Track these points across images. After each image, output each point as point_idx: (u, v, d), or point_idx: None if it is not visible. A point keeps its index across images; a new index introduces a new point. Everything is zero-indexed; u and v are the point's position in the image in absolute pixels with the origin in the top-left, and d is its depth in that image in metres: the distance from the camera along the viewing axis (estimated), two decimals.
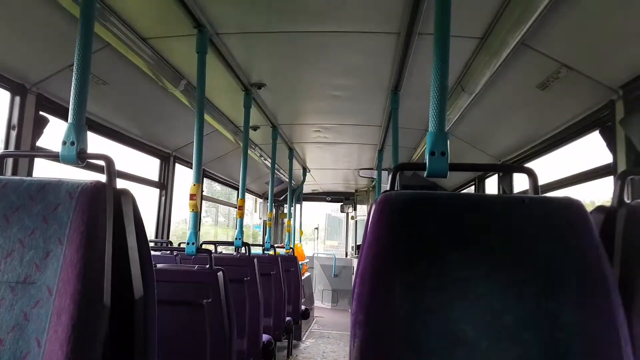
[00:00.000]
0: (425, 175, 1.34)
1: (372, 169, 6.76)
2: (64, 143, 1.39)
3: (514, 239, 1.02)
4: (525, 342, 0.95)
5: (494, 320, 0.97)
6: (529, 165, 3.52)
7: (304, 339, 5.93)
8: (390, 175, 1.28)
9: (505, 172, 4.04)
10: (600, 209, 1.29)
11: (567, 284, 0.97)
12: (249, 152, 4.74)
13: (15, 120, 2.33)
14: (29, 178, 1.17)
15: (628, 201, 1.24)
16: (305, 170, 7.16)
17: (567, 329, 0.95)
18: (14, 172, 2.32)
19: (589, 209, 1.27)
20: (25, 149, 2.36)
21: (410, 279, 0.99)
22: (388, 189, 1.18)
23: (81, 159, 1.40)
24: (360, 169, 6.94)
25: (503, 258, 1.01)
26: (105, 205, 1.11)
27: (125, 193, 1.20)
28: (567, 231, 1.01)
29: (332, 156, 6.24)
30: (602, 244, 1.01)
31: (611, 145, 2.28)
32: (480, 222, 1.04)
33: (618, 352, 0.93)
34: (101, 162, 1.23)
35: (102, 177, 1.21)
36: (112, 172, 1.21)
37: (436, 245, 1.02)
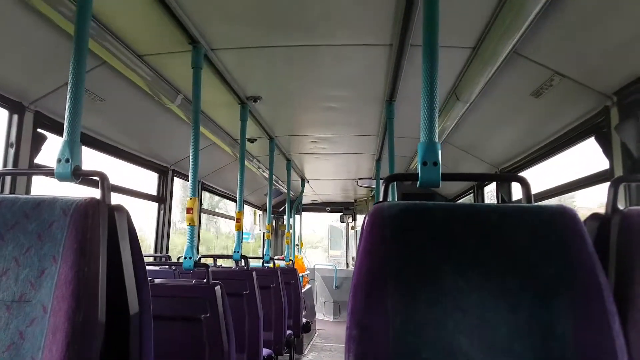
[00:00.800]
0: (417, 185, 1.34)
1: (370, 178, 6.76)
2: (59, 160, 1.40)
3: (507, 248, 1.02)
4: (519, 353, 0.94)
5: (488, 332, 0.96)
6: (526, 172, 3.54)
7: (306, 353, 5.87)
8: (383, 186, 1.28)
9: (499, 181, 4.05)
10: (594, 216, 1.29)
11: (561, 293, 0.97)
12: (246, 164, 4.75)
13: (13, 138, 2.35)
14: (24, 196, 1.18)
15: (621, 208, 1.24)
16: (303, 180, 7.16)
17: (562, 339, 0.94)
18: (12, 190, 2.32)
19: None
20: (24, 166, 2.37)
21: (403, 292, 0.99)
22: (381, 200, 1.18)
23: (76, 175, 1.40)
24: (359, 179, 6.94)
25: (496, 268, 1.00)
26: (100, 222, 1.12)
27: (119, 209, 1.20)
28: (560, 240, 1.00)
29: (330, 166, 6.25)
30: (597, 252, 1.00)
31: (607, 151, 2.28)
32: (473, 232, 1.04)
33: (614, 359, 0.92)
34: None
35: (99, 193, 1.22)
36: (106, 189, 1.21)
37: (429, 257, 1.02)
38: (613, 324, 0.94)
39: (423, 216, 1.06)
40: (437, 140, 1.38)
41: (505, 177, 3.73)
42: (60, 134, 1.47)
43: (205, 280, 2.24)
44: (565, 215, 1.02)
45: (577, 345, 0.93)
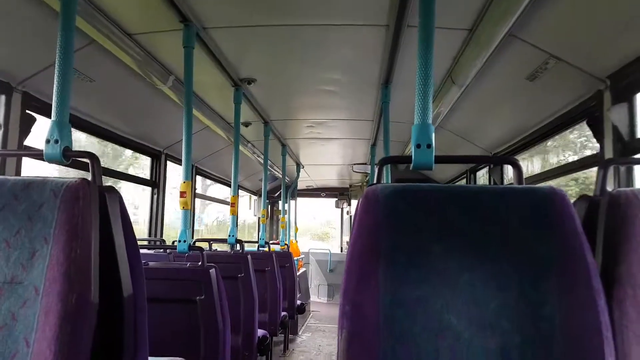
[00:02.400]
0: (411, 167, 1.35)
1: (365, 163, 6.77)
2: (48, 141, 1.39)
3: (498, 229, 1.03)
4: (508, 331, 0.96)
5: (478, 310, 0.98)
6: (519, 156, 3.55)
7: (300, 333, 5.96)
8: (376, 169, 1.28)
9: (491, 163, 4.08)
10: (583, 198, 1.30)
11: (549, 273, 0.98)
12: (241, 148, 4.73)
13: (1, 120, 2.31)
14: (13, 177, 1.17)
15: (609, 189, 1.25)
16: (299, 166, 7.16)
17: (550, 317, 0.96)
18: (1, 172, 2.30)
19: None
20: (13, 148, 2.34)
21: (395, 271, 1.00)
22: (375, 182, 1.18)
23: (66, 157, 1.39)
24: (354, 164, 6.95)
25: (487, 248, 1.02)
26: (91, 203, 1.11)
27: (111, 191, 1.19)
28: (550, 221, 1.02)
29: (326, 151, 6.24)
30: (586, 232, 1.02)
31: (598, 135, 2.29)
32: (464, 213, 1.05)
33: (599, 337, 0.94)
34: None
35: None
36: (96, 170, 1.20)
37: (420, 237, 1.03)
38: (599, 301, 0.96)
39: (416, 197, 1.07)
40: (430, 122, 1.38)
41: (498, 159, 3.79)
42: (49, 115, 1.45)
43: (200, 263, 2.24)
44: (555, 196, 1.04)
45: (564, 323, 0.96)
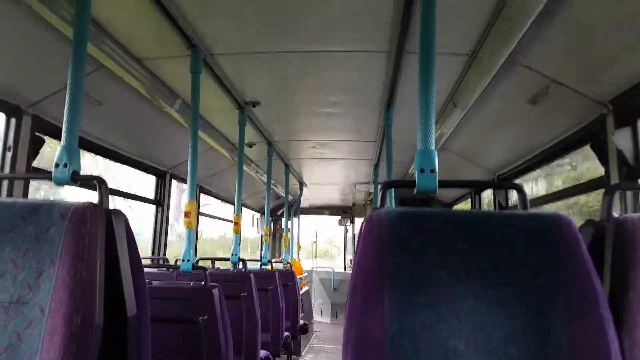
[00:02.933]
0: (414, 192, 1.35)
1: (368, 182, 6.77)
2: (57, 165, 1.41)
3: (503, 255, 1.03)
4: (516, 358, 0.95)
5: (484, 337, 0.97)
6: (523, 179, 3.56)
7: (303, 354, 5.87)
8: (380, 193, 1.29)
9: (495, 187, 4.06)
10: (589, 223, 1.30)
11: (556, 300, 0.98)
12: (245, 168, 4.75)
13: (10, 142, 2.35)
14: (21, 200, 1.19)
15: (616, 215, 1.25)
16: (302, 185, 7.17)
17: (557, 344, 0.95)
18: (9, 194, 2.33)
19: None
20: (21, 170, 2.36)
21: (400, 296, 1.00)
22: (379, 206, 1.19)
23: (74, 180, 1.41)
24: (357, 183, 6.95)
25: (492, 274, 1.01)
26: (97, 226, 1.13)
27: (117, 213, 1.21)
28: (556, 247, 1.02)
29: (329, 171, 6.26)
30: (592, 259, 1.01)
31: (603, 159, 2.29)
32: (469, 239, 1.05)
33: None
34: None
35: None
36: (104, 193, 1.23)
37: (425, 262, 1.03)
38: (608, 329, 0.95)
39: (420, 223, 1.07)
40: (433, 148, 1.39)
41: (502, 185, 3.77)
42: (58, 137, 1.48)
43: (203, 283, 2.24)
44: (561, 222, 1.04)
45: (572, 351, 0.94)
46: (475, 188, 4.72)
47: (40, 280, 1.06)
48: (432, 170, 1.33)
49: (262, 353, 3.20)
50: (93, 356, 1.05)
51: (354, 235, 9.52)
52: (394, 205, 4.11)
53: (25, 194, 2.44)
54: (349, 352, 0.99)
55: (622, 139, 2.12)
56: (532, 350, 0.95)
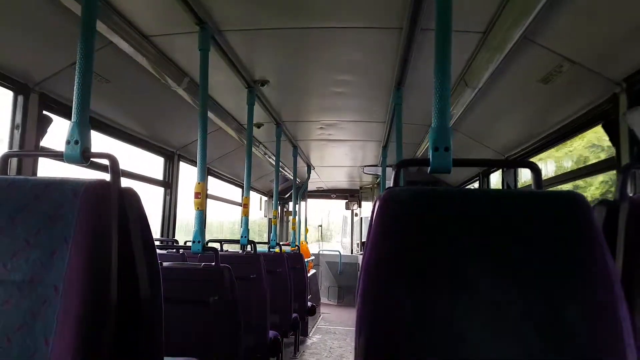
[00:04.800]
0: (429, 171, 1.33)
1: (376, 165, 6.74)
2: (68, 142, 1.40)
3: (517, 234, 1.02)
4: (528, 337, 0.95)
5: (497, 316, 0.97)
6: (534, 159, 3.52)
7: (310, 335, 5.95)
8: (394, 172, 1.27)
9: (509, 167, 4.03)
10: (603, 202, 1.28)
11: (569, 278, 0.97)
12: (253, 150, 4.75)
13: (18, 120, 2.35)
14: (33, 177, 1.18)
15: (631, 194, 1.23)
16: (309, 167, 7.16)
17: (571, 323, 0.94)
18: (19, 172, 2.33)
19: None
20: (30, 148, 2.37)
21: (414, 275, 0.99)
22: (392, 185, 1.18)
23: (85, 158, 1.41)
24: (365, 166, 6.93)
25: (506, 253, 1.00)
26: (110, 204, 1.12)
27: (129, 192, 1.20)
28: (569, 226, 1.00)
29: (337, 153, 6.24)
30: (605, 237, 1.00)
31: (614, 139, 2.26)
32: (484, 217, 1.04)
33: (621, 344, 0.92)
34: (105, 161, 1.23)
35: (107, 176, 1.22)
36: (116, 171, 1.21)
37: (440, 241, 1.02)
38: (620, 307, 0.95)
39: (435, 201, 1.06)
40: (449, 125, 1.37)
41: (517, 162, 3.75)
42: (66, 116, 1.47)
43: (213, 264, 2.25)
44: (576, 201, 1.02)
45: (585, 330, 0.94)
46: (489, 167, 4.68)
47: (53, 259, 1.05)
48: (447, 149, 1.31)
49: (271, 333, 3.24)
50: (108, 335, 1.05)
51: (361, 219, 9.53)
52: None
53: (34, 174, 2.44)
54: (364, 331, 0.98)
55: (633, 118, 2.08)
56: (545, 329, 0.95)
